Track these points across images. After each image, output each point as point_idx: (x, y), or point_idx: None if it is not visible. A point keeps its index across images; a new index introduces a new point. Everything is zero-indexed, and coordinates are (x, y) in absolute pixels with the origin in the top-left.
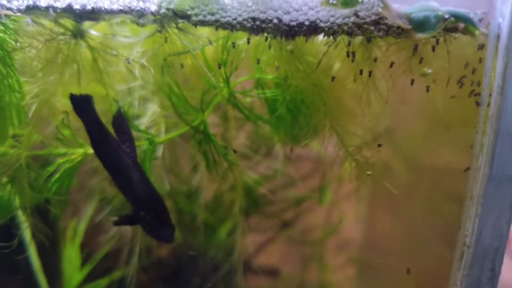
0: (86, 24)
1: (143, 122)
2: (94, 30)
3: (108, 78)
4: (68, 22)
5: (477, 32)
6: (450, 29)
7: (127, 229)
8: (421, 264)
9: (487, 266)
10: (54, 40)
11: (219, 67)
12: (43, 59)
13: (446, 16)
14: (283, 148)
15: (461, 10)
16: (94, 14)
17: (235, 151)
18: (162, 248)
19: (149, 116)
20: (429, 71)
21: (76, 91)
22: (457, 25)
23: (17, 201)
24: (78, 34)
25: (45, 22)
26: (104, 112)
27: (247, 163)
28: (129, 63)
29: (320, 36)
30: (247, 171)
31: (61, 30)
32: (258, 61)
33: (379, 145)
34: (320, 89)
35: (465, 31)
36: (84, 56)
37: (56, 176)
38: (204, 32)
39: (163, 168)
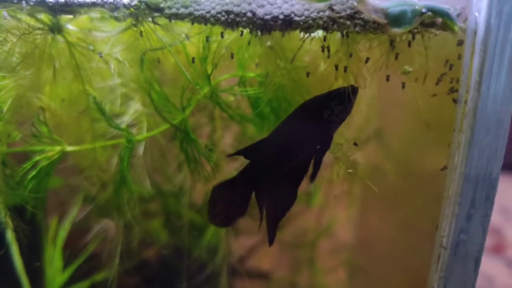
0: (63, 19)
1: (124, 120)
2: (72, 25)
3: (85, 73)
4: (46, 17)
5: (455, 27)
6: (428, 24)
7: (110, 230)
8: (410, 266)
9: (464, 268)
10: (30, 34)
11: (192, 62)
12: (20, 54)
13: (423, 11)
14: None
15: (439, 4)
16: (68, 7)
17: (210, 149)
18: (145, 250)
19: (130, 114)
20: (410, 69)
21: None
22: (435, 20)
23: None
24: (55, 28)
25: (22, 16)
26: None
27: (233, 163)
28: (101, 57)
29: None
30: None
31: (38, 24)
32: (232, 56)
33: (355, 144)
34: (301, 86)
35: (444, 27)
36: (62, 52)
37: (32, 173)
38: (185, 27)
39: (145, 166)
